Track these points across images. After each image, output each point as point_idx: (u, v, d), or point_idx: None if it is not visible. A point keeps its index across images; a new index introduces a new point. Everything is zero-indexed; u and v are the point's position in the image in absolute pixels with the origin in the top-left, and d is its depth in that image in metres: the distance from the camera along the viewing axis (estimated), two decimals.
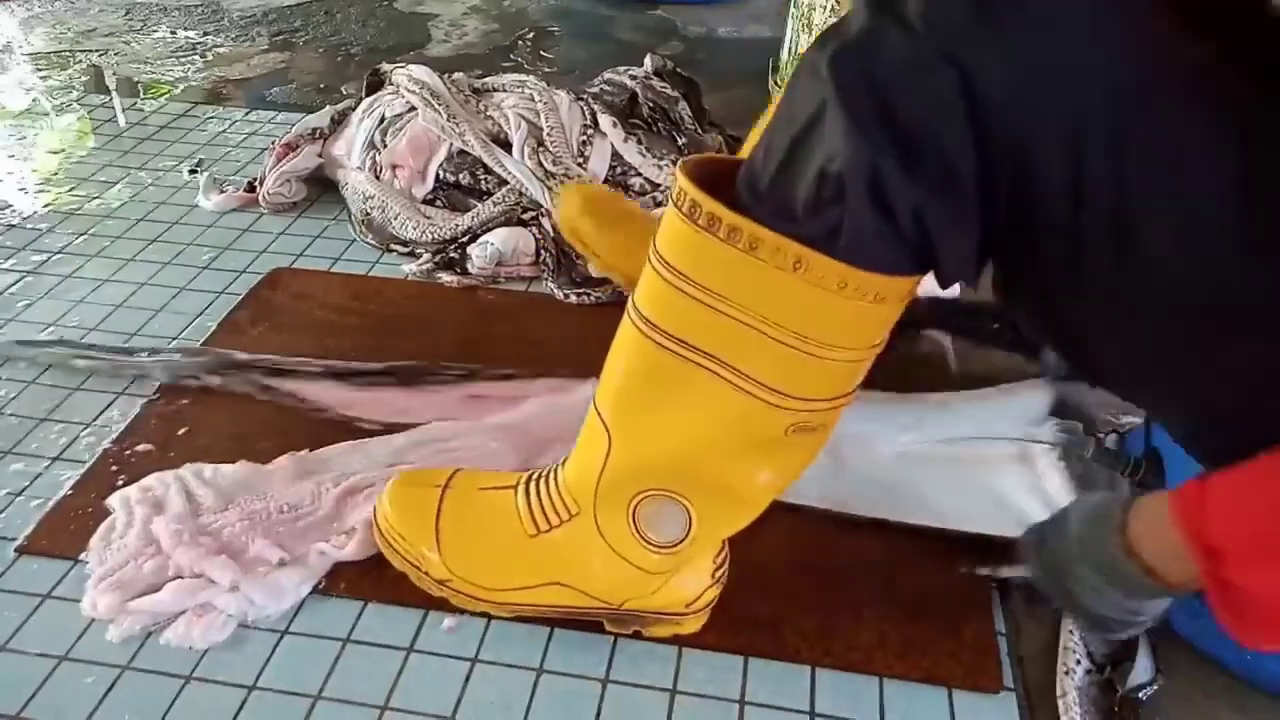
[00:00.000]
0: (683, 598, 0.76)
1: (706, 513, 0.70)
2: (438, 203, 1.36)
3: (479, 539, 0.76)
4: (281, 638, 0.79)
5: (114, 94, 1.83)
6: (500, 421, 0.99)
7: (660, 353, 0.63)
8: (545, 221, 1.28)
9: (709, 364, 0.62)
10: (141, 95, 1.82)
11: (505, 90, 1.47)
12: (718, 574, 0.77)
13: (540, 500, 0.75)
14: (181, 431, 0.99)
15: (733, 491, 0.69)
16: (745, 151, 0.72)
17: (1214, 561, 0.53)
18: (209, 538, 0.84)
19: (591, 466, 0.71)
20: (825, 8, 1.58)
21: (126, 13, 2.22)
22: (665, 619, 0.77)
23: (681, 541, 0.72)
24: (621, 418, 0.68)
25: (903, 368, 0.88)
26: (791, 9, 1.68)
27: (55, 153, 1.60)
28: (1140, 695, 0.75)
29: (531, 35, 2.14)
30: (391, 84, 1.49)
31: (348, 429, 0.99)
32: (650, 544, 0.72)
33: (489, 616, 0.80)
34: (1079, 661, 0.76)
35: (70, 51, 2.02)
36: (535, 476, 0.77)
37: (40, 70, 1.93)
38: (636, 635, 0.78)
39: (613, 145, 1.37)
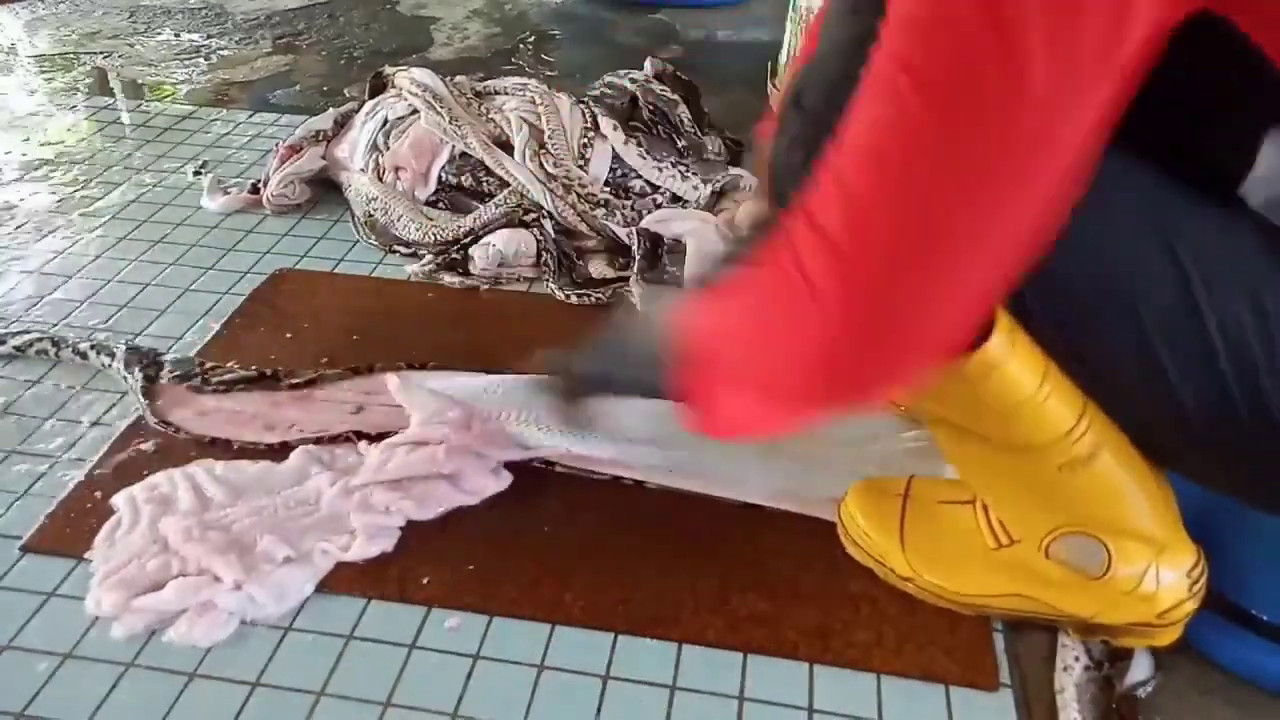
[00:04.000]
0: (1154, 610, 0.74)
1: (1119, 549, 0.74)
2: (440, 204, 1.36)
3: (944, 546, 0.82)
4: (285, 635, 0.80)
5: (118, 96, 1.84)
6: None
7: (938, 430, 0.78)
8: (546, 223, 1.29)
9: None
10: (146, 97, 1.83)
11: (507, 93, 1.48)
12: (1194, 588, 0.74)
13: (991, 520, 0.79)
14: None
15: (1100, 523, 0.74)
16: None
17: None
18: (217, 532, 0.85)
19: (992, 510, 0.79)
20: None
21: (131, 15, 2.23)
22: (1136, 630, 0.76)
23: (1108, 569, 0.74)
24: (969, 480, 0.81)
25: None
26: (790, 13, 1.68)
27: (60, 154, 1.60)
28: (1138, 692, 0.75)
29: (533, 39, 2.15)
30: (394, 87, 1.49)
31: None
32: (1085, 574, 0.75)
33: (490, 614, 0.81)
34: (1077, 659, 0.77)
35: (75, 53, 2.02)
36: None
37: (45, 72, 1.94)
38: (1105, 644, 0.77)
39: (613, 148, 1.38)
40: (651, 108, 1.46)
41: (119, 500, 0.89)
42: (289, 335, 1.15)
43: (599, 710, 0.74)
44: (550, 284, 1.25)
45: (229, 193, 1.45)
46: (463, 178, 1.36)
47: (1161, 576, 0.73)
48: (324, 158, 1.45)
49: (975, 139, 0.49)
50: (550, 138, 1.36)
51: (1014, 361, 0.67)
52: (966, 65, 0.48)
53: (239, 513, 0.87)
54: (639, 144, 1.38)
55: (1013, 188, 0.51)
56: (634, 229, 1.27)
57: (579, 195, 1.31)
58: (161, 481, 0.90)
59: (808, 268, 0.56)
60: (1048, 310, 0.67)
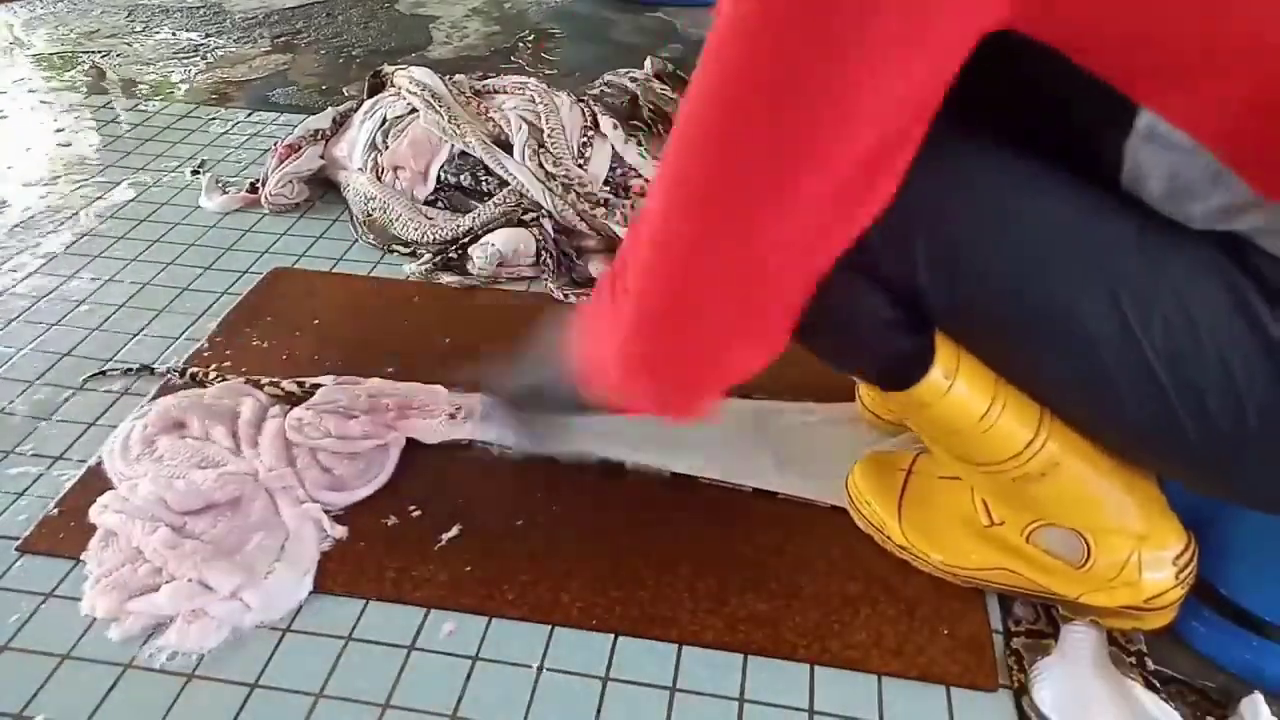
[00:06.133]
0: (1140, 596, 0.75)
1: (1098, 541, 0.75)
2: (439, 204, 1.36)
3: (938, 519, 0.84)
4: (283, 636, 0.79)
5: (116, 95, 1.83)
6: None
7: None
8: (546, 223, 1.29)
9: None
10: (144, 96, 1.83)
11: (506, 92, 1.47)
12: (1181, 575, 0.75)
13: (985, 501, 0.81)
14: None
15: (1074, 520, 0.76)
16: None
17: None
18: (200, 542, 0.84)
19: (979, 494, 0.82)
20: None
21: (129, 14, 2.23)
22: (1125, 613, 0.77)
23: (1088, 559, 0.75)
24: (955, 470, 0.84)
25: None
26: None
27: (57, 153, 1.60)
28: None
29: (532, 37, 2.15)
30: (393, 85, 1.49)
31: None
32: (1068, 563, 0.76)
33: (489, 616, 0.81)
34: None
35: (73, 52, 2.02)
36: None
37: (43, 71, 1.94)
38: (1094, 623, 0.78)
39: (613, 147, 1.37)
40: (652, 106, 1.46)
41: (105, 522, 0.86)
42: (286, 335, 1.15)
43: (599, 712, 0.74)
44: (549, 284, 1.24)
45: (227, 192, 1.44)
46: (462, 177, 1.35)
47: (1145, 565, 0.74)
48: (322, 157, 1.44)
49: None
50: (550, 137, 1.35)
51: (959, 389, 0.70)
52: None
53: (204, 524, 0.86)
54: (639, 143, 1.37)
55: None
56: None
57: (579, 194, 1.31)
58: (126, 502, 0.88)
59: (618, 272, 0.66)
60: (987, 344, 0.69)
